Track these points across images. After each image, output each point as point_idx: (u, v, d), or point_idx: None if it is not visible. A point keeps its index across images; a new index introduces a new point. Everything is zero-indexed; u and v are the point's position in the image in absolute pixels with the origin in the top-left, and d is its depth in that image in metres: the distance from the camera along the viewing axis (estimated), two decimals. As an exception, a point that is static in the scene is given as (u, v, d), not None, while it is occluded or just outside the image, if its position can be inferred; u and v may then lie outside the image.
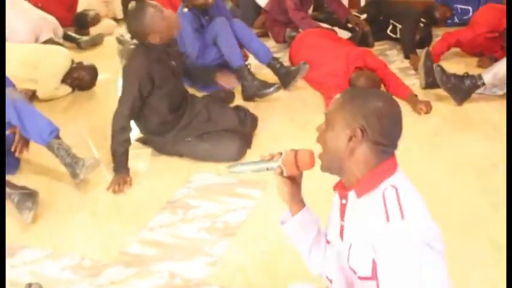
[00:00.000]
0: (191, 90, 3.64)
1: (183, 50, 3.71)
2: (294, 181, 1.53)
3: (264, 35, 5.10)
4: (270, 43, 4.93)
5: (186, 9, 3.78)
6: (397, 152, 1.39)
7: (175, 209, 2.69)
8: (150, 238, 2.50)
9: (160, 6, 2.88)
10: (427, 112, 3.53)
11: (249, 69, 3.81)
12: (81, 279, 2.26)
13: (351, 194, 1.39)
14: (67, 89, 4.01)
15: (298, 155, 1.46)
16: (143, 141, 3.26)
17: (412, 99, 3.61)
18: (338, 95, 1.41)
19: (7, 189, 2.64)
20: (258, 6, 5.32)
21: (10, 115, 2.78)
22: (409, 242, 1.24)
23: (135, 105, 2.91)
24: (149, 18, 2.80)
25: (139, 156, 3.16)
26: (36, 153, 3.05)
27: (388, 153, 1.36)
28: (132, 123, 2.99)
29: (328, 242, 1.54)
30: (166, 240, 2.48)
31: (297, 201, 1.55)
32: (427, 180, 2.61)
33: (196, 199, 2.76)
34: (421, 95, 3.72)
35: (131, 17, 2.88)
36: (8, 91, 2.85)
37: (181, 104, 3.16)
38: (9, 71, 3.85)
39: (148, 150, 3.23)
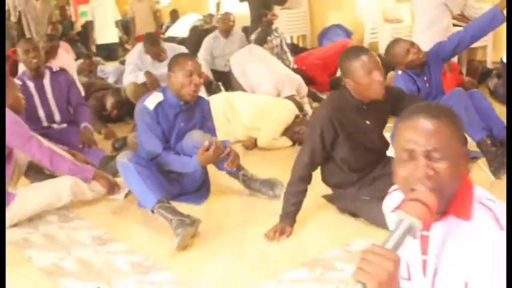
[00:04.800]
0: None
1: None
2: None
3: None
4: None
5: (400, 72, 3.52)
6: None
7: (315, 267, 2.39)
8: (271, 290, 2.27)
9: (376, 65, 2.59)
10: None
11: (491, 141, 3.29)
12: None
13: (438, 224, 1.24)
14: (287, 141, 4.05)
15: (423, 199, 1.17)
16: (328, 199, 3.03)
17: None
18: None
19: (169, 215, 2.73)
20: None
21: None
22: None
23: (316, 153, 2.72)
24: (354, 63, 2.58)
25: (312, 209, 2.93)
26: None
27: None
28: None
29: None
30: (286, 296, 2.21)
31: None
32: None
33: (345, 263, 2.41)
34: None
35: (346, 51, 2.71)
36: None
37: (371, 162, 2.86)
38: (240, 118, 4.14)
39: (328, 205, 2.99)
